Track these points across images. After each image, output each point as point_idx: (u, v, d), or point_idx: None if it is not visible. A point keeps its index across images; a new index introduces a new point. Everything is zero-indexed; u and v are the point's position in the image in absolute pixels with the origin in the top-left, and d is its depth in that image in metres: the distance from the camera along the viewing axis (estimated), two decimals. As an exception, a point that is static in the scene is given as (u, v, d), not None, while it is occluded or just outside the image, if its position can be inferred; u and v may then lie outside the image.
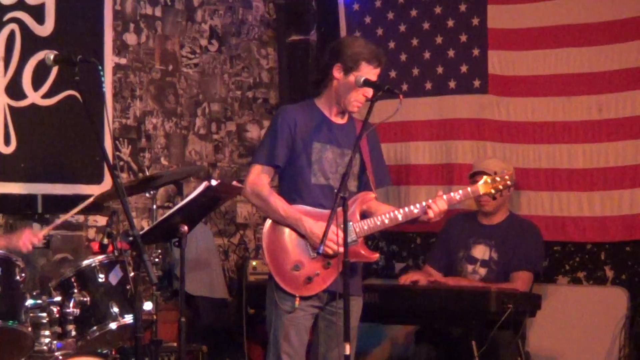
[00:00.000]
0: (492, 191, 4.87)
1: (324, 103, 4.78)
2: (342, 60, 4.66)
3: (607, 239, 6.12)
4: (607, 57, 6.05)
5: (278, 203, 4.67)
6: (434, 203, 4.65)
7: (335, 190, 4.37)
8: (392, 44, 6.88)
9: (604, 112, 6.07)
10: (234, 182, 4.82)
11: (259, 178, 4.70)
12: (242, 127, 7.16)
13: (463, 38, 6.60)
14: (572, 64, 6.16)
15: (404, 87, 6.74)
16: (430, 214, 4.64)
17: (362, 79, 4.60)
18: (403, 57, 6.83)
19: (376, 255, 4.80)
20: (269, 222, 4.70)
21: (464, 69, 6.57)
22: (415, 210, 4.68)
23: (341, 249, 4.39)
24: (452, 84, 6.62)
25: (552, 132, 6.22)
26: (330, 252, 4.52)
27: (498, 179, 4.88)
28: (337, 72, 4.69)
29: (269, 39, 7.37)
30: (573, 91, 6.16)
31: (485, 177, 4.91)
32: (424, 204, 4.67)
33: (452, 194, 4.75)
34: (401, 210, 4.69)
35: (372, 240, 6.93)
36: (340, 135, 4.75)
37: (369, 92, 4.65)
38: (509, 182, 4.89)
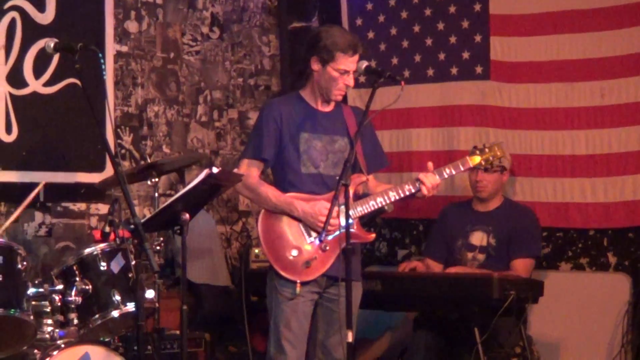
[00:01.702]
0: (483, 162, 4.84)
1: (309, 94, 4.79)
2: (318, 52, 4.65)
3: (610, 225, 6.11)
4: (609, 42, 6.03)
5: (268, 191, 4.69)
6: (425, 177, 4.65)
7: (336, 178, 4.40)
8: (394, 31, 6.86)
9: (606, 98, 6.05)
10: (236, 170, 4.81)
11: (248, 171, 4.73)
12: (244, 115, 7.14)
13: (465, 24, 6.57)
14: (575, 49, 6.14)
15: (406, 73, 6.72)
16: (424, 190, 4.65)
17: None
18: (405, 43, 6.81)
19: (372, 236, 4.81)
20: (262, 211, 4.71)
21: (465, 55, 6.55)
22: (407, 188, 4.69)
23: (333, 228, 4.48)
24: (454, 71, 6.60)
25: (555, 118, 6.21)
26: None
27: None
28: (314, 65, 4.68)
29: (271, 26, 7.34)
30: (575, 77, 6.14)
31: (473, 148, 4.87)
32: (416, 182, 4.67)
33: (443, 170, 4.73)
34: (394, 190, 4.70)
35: (374, 227, 6.92)
36: (327, 123, 4.77)
37: (350, 80, 4.65)
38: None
